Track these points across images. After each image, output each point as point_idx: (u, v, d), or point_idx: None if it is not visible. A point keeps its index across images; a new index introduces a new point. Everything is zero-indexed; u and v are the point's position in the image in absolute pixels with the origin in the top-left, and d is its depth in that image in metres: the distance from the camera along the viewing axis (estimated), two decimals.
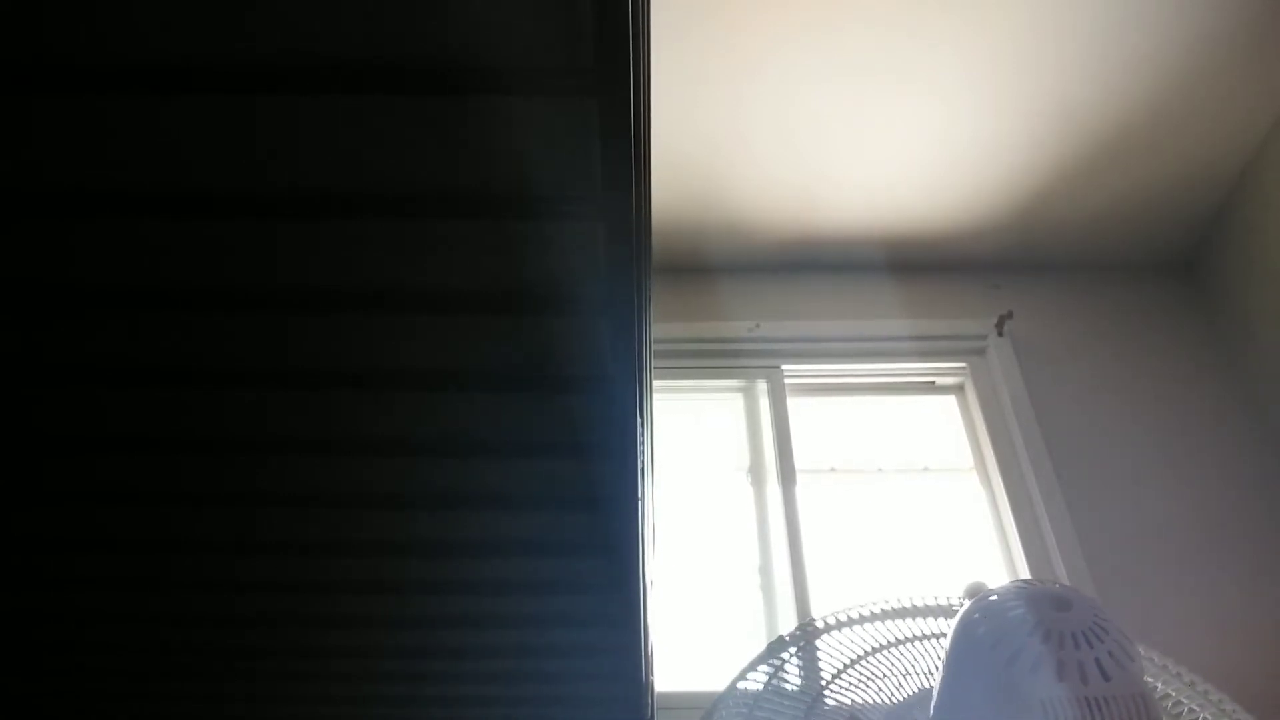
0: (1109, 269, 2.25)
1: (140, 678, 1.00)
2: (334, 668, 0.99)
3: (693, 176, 2.04)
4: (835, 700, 0.98)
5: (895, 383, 2.14)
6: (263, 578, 0.81)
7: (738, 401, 2.12)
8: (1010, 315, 2.10)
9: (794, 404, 2.07)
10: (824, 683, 0.99)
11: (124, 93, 0.41)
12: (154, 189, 0.46)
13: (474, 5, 0.38)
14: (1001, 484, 1.92)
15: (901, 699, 0.98)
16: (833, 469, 2.01)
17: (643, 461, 0.65)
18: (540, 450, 0.64)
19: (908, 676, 1.00)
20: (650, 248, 0.57)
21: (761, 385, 2.10)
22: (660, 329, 2.01)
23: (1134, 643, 0.78)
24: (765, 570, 1.84)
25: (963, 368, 2.11)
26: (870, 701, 0.97)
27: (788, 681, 1.02)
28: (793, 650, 1.04)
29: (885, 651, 1.03)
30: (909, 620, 1.05)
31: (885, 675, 1.00)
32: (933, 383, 2.15)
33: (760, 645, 1.07)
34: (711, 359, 2.10)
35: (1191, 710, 0.95)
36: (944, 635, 1.02)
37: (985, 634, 0.80)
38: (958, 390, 2.14)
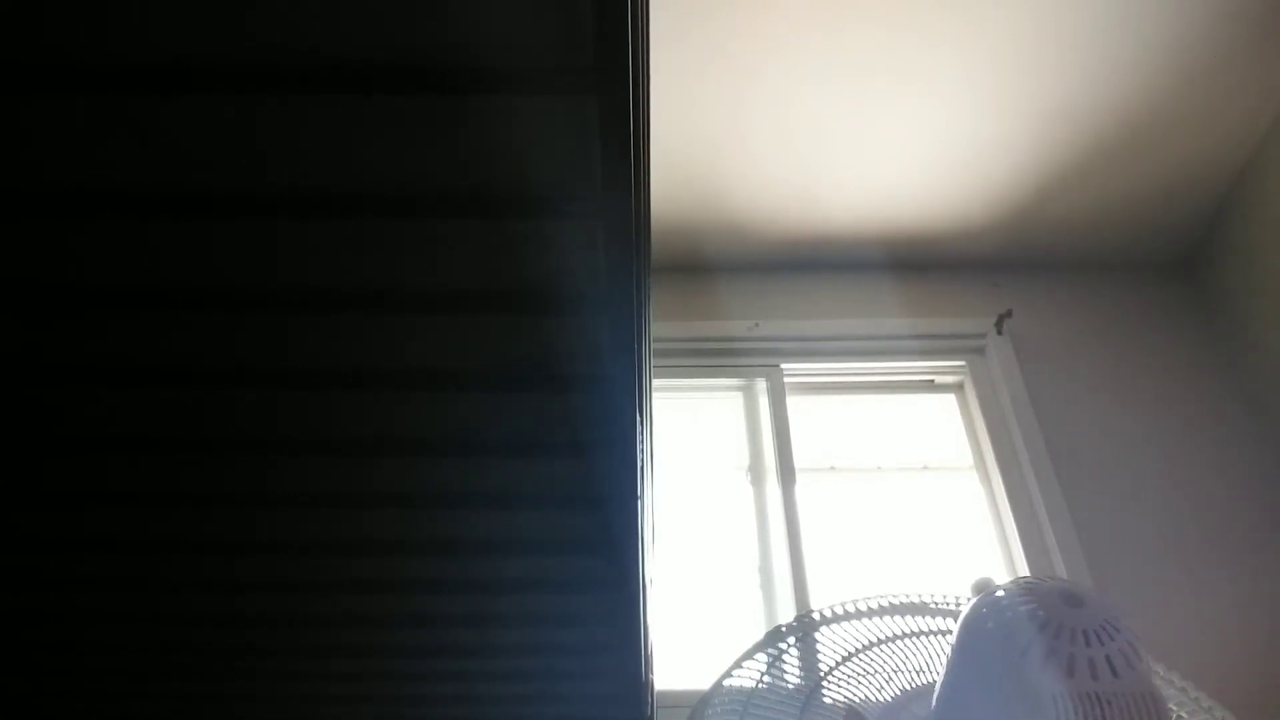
0: (1109, 268, 2.25)
1: (140, 678, 1.00)
2: (334, 667, 0.99)
3: (693, 176, 2.04)
4: (832, 694, 0.98)
5: (895, 381, 2.14)
6: (262, 577, 0.81)
7: (737, 400, 2.12)
8: (1010, 314, 2.10)
9: (793, 403, 2.07)
10: (821, 674, 0.99)
11: (124, 92, 0.41)
12: (154, 189, 0.46)
13: (474, 5, 0.38)
14: (1001, 482, 1.92)
15: (898, 694, 0.98)
16: (832, 468, 2.01)
17: (642, 460, 0.65)
18: (540, 449, 0.64)
19: (900, 673, 1.00)
20: (650, 247, 0.57)
21: (761, 384, 2.10)
22: (660, 328, 2.01)
23: (1141, 643, 0.78)
24: (765, 569, 1.84)
25: (962, 366, 2.11)
26: (867, 696, 0.97)
27: (786, 671, 1.02)
28: (791, 641, 1.05)
29: (882, 647, 1.03)
30: (906, 617, 1.05)
31: (880, 671, 1.00)
32: (932, 381, 2.15)
33: None
34: (711, 358, 2.11)
35: None
36: (940, 633, 1.03)
37: (996, 627, 0.80)
38: (957, 389, 2.14)
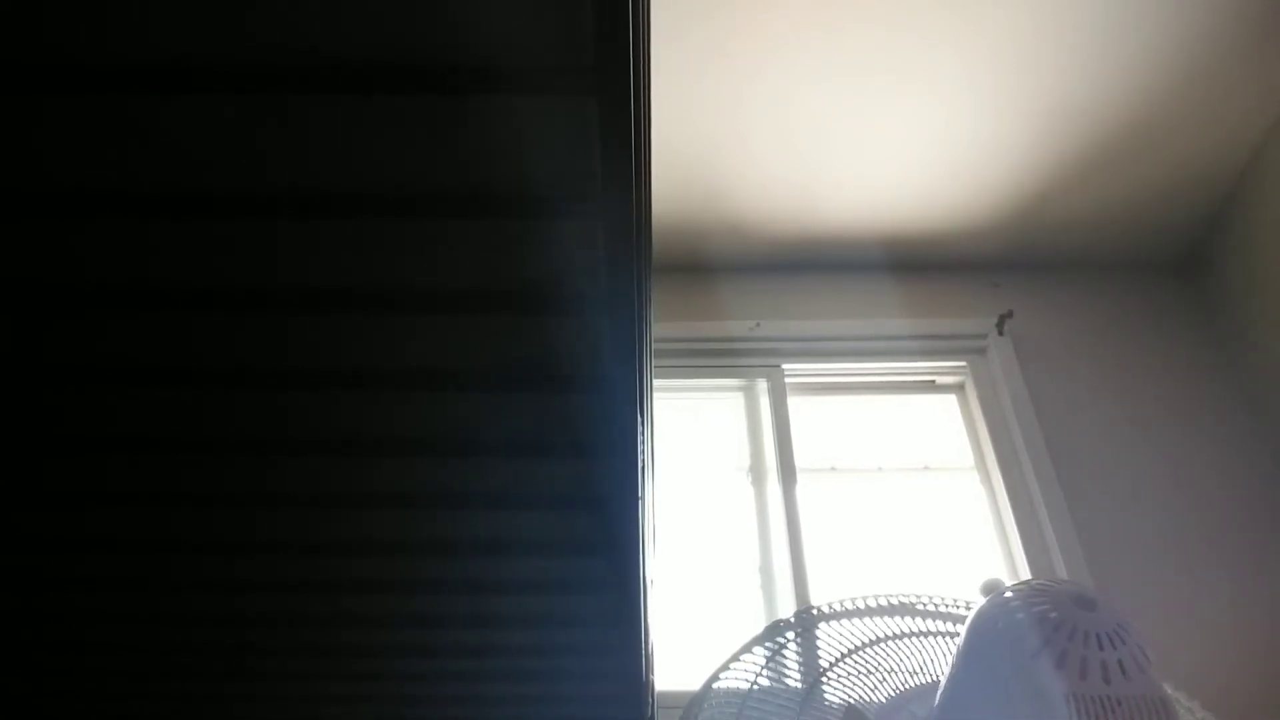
0: (1109, 268, 2.25)
1: (140, 677, 1.00)
2: (334, 667, 0.99)
3: (693, 176, 2.04)
4: (831, 690, 0.98)
5: (895, 382, 2.14)
6: (262, 577, 0.81)
7: (738, 401, 2.12)
8: (1010, 314, 2.10)
9: (794, 403, 2.07)
10: (821, 670, 0.99)
11: (124, 92, 0.41)
12: (154, 189, 0.46)
13: (474, 5, 0.38)
14: (1002, 483, 1.92)
15: (896, 693, 0.98)
16: (833, 468, 2.01)
17: (643, 461, 0.65)
18: (540, 449, 0.64)
19: (897, 673, 1.00)
20: (650, 247, 0.57)
21: (762, 384, 2.10)
22: (660, 328, 2.01)
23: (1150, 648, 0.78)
24: (765, 569, 1.84)
25: (963, 367, 2.11)
26: (866, 693, 0.97)
27: (786, 665, 1.03)
28: (790, 635, 1.05)
29: (881, 645, 1.03)
30: (906, 618, 1.05)
31: (879, 670, 1.00)
32: (933, 382, 2.15)
33: None
34: (712, 358, 2.11)
35: None
36: (939, 634, 1.03)
37: (1007, 628, 0.80)
38: (958, 389, 2.14)
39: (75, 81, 0.40)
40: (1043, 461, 1.91)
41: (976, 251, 2.22)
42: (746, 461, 2.01)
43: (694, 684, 1.03)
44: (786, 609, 1.74)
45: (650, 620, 0.90)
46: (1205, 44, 1.80)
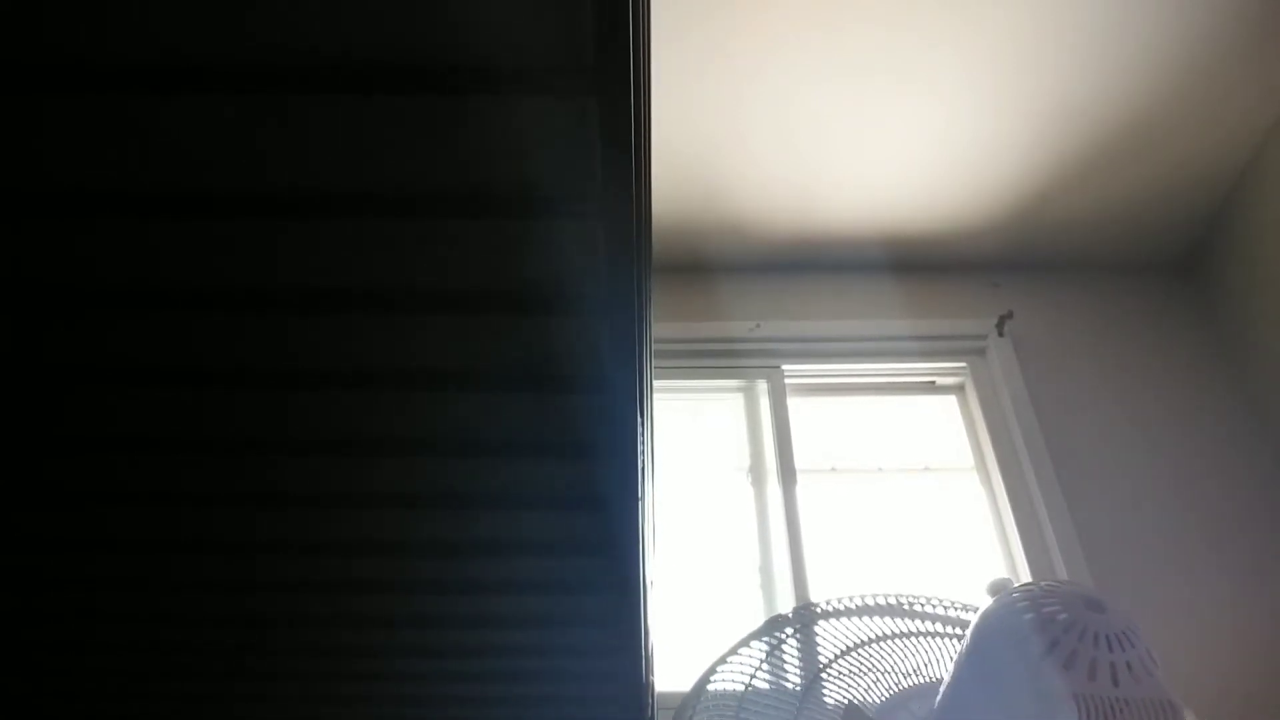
0: (1109, 269, 2.25)
1: (141, 678, 1.00)
2: (334, 667, 0.99)
3: (693, 176, 2.04)
4: (830, 686, 0.98)
5: (895, 382, 2.14)
6: (263, 578, 0.81)
7: (738, 401, 2.12)
8: (1010, 315, 2.10)
9: (794, 404, 2.07)
10: (821, 666, 1.00)
11: (124, 92, 0.41)
12: (154, 189, 0.46)
13: (474, 5, 0.38)
14: (1002, 483, 1.92)
15: (895, 692, 0.98)
16: (833, 469, 2.01)
17: (643, 461, 0.65)
18: (540, 450, 0.64)
19: (894, 673, 1.00)
20: (650, 247, 0.57)
21: (762, 385, 2.10)
22: (660, 329, 2.01)
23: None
24: (765, 570, 1.84)
25: (963, 367, 2.11)
26: (866, 690, 0.97)
27: (785, 660, 1.03)
28: (790, 630, 1.05)
29: (880, 644, 1.03)
30: (905, 619, 1.06)
31: (878, 668, 1.00)
32: (933, 382, 2.15)
33: None
34: (712, 359, 2.11)
35: None
36: (937, 635, 1.03)
37: (1016, 627, 0.80)
38: (958, 390, 2.14)
39: (76, 81, 0.40)
40: (1043, 462, 1.91)
41: (976, 252, 2.22)
42: (746, 462, 2.01)
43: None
44: (786, 609, 1.74)
45: (650, 621, 0.90)
46: (1205, 44, 1.80)
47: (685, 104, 1.90)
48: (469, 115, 0.42)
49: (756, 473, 1.99)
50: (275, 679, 1.02)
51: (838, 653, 1.02)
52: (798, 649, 1.04)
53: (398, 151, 0.44)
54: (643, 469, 0.66)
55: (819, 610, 1.07)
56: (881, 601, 1.08)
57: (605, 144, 0.42)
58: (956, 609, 1.08)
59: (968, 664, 0.86)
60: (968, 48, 1.81)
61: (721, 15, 1.75)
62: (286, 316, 0.53)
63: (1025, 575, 1.79)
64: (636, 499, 0.66)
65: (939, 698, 0.90)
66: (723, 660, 1.06)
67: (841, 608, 1.07)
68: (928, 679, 1.00)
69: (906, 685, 0.99)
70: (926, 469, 2.02)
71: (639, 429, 0.61)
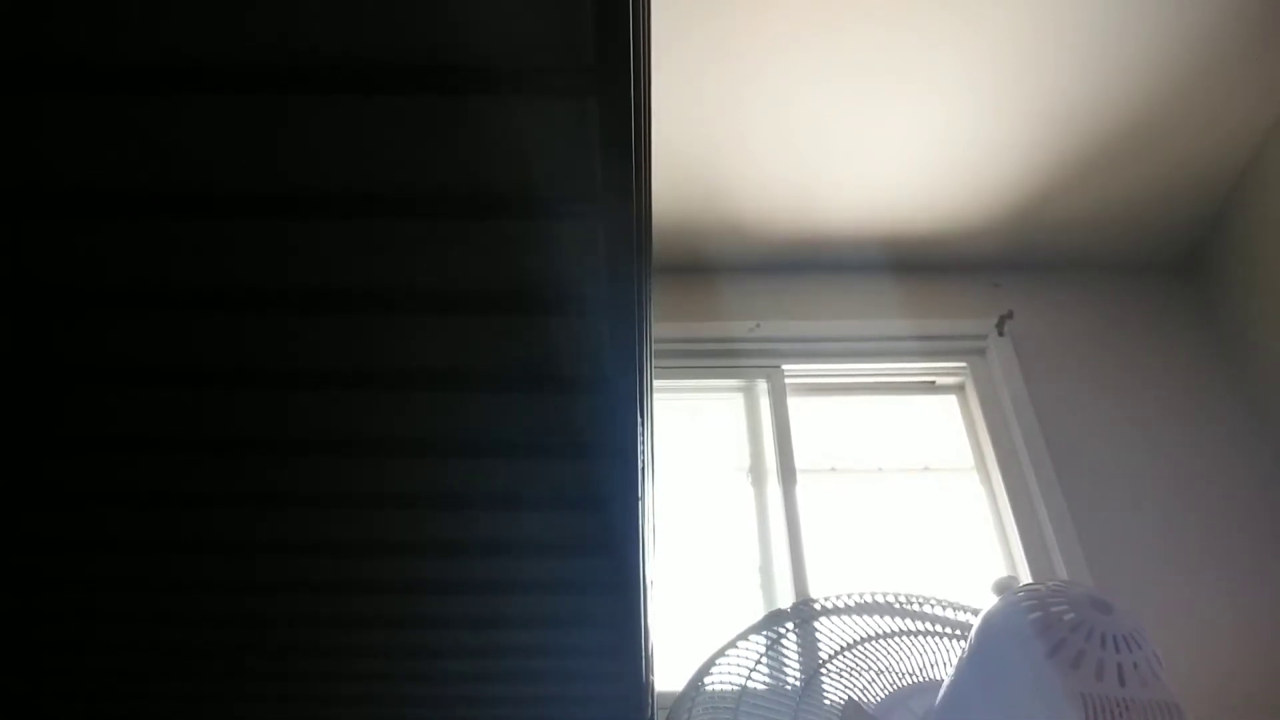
0: (1109, 269, 2.25)
1: (141, 678, 1.00)
2: (334, 667, 0.99)
3: (693, 176, 2.04)
4: (830, 683, 0.98)
5: (895, 382, 2.14)
6: (265, 578, 0.81)
7: (738, 401, 2.12)
8: (1010, 315, 2.10)
9: (794, 404, 2.07)
10: (820, 662, 1.00)
11: (125, 92, 0.41)
12: (158, 189, 0.46)
13: (474, 5, 0.38)
14: (1002, 483, 1.92)
15: (894, 690, 0.98)
16: (833, 469, 2.01)
17: (643, 461, 0.65)
18: (541, 450, 0.64)
19: (893, 670, 1.00)
20: (651, 247, 0.57)
21: (762, 385, 2.10)
22: (661, 329, 2.01)
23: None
24: (765, 570, 1.84)
25: (963, 367, 2.11)
26: (865, 687, 0.97)
27: (785, 655, 1.03)
28: (790, 625, 1.05)
29: (879, 642, 1.03)
30: (904, 619, 1.06)
31: (873, 669, 1.00)
32: (933, 382, 2.15)
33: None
34: (712, 359, 2.11)
35: None
36: (936, 634, 1.03)
37: (1022, 626, 0.80)
38: (958, 390, 2.14)
39: (77, 81, 0.40)
40: (1043, 462, 1.91)
41: (976, 252, 2.22)
42: (746, 462, 2.01)
43: None
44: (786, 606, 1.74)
45: (650, 621, 0.90)
46: (1205, 44, 1.80)
47: (686, 104, 1.90)
48: (469, 115, 0.42)
49: (756, 472, 1.99)
50: (275, 679, 1.02)
51: (837, 649, 1.02)
52: (797, 644, 1.04)
53: (398, 152, 0.44)
54: (643, 469, 0.66)
55: (818, 607, 1.07)
56: (880, 600, 1.08)
57: (605, 144, 0.42)
58: (956, 610, 1.08)
59: (970, 663, 0.86)
60: (968, 48, 1.81)
61: (722, 15, 1.75)
62: (287, 316, 0.53)
63: (1025, 575, 1.79)
64: (637, 499, 0.66)
65: (940, 696, 0.90)
66: (722, 653, 1.06)
67: (841, 605, 1.07)
68: (926, 678, 1.00)
69: (905, 684, 0.99)
70: (926, 469, 2.02)
71: (639, 429, 0.61)
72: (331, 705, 1.09)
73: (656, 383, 1.55)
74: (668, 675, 1.57)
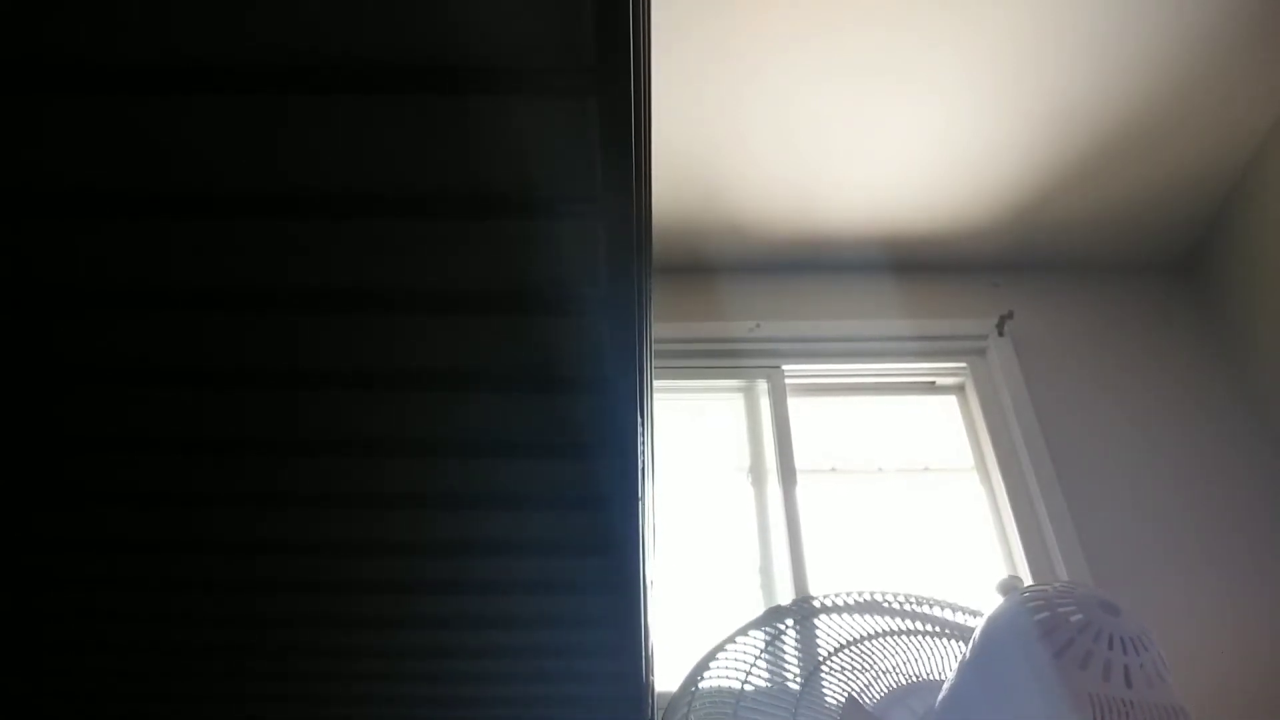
0: (1109, 269, 2.25)
1: (142, 678, 1.00)
2: (334, 668, 0.99)
3: (693, 176, 2.04)
4: (827, 680, 0.99)
5: (896, 383, 2.14)
6: (264, 578, 0.81)
7: (738, 401, 2.12)
8: (1011, 315, 2.10)
9: (794, 404, 2.07)
10: (820, 659, 1.00)
11: (125, 93, 0.41)
12: (158, 189, 0.46)
13: (474, 5, 0.38)
14: (1002, 484, 1.92)
15: (893, 688, 0.98)
16: (833, 469, 2.01)
17: (643, 461, 0.65)
18: (540, 450, 0.64)
19: (894, 669, 1.00)
20: (651, 247, 0.57)
21: (762, 385, 2.10)
22: (661, 329, 2.01)
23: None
24: (766, 570, 1.84)
25: (963, 368, 2.11)
26: (863, 688, 0.97)
27: (785, 650, 1.03)
28: (789, 622, 1.05)
29: (878, 641, 1.03)
30: (903, 619, 1.06)
31: (872, 668, 1.00)
32: (933, 383, 2.15)
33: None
34: (712, 359, 2.11)
35: None
36: (935, 634, 1.03)
37: (1029, 627, 0.80)
38: (958, 390, 2.14)
39: (81, 82, 0.40)
40: (1043, 462, 1.91)
41: (976, 252, 2.22)
42: (746, 462, 2.01)
43: None
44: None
45: (650, 621, 0.90)
46: (1205, 44, 1.80)
47: (686, 104, 1.90)
48: (469, 115, 0.42)
49: (756, 473, 1.99)
50: (276, 679, 1.02)
51: (836, 647, 1.02)
52: (796, 641, 1.04)
53: (398, 152, 0.44)
54: (643, 469, 0.66)
55: (818, 604, 1.07)
56: (880, 599, 1.08)
57: (605, 144, 0.42)
58: (955, 611, 1.08)
59: (973, 663, 0.86)
60: (968, 48, 1.81)
61: (722, 15, 1.75)
62: (287, 316, 0.53)
63: (1026, 575, 1.79)
64: (637, 499, 0.66)
65: (941, 695, 0.90)
66: (721, 648, 1.06)
67: (841, 603, 1.07)
68: (927, 678, 1.00)
69: (905, 683, 0.99)
70: (926, 469, 2.02)
71: (639, 429, 0.61)
72: (331, 705, 1.09)
73: (656, 383, 1.55)
74: (668, 675, 1.57)
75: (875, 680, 0.99)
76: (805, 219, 2.14)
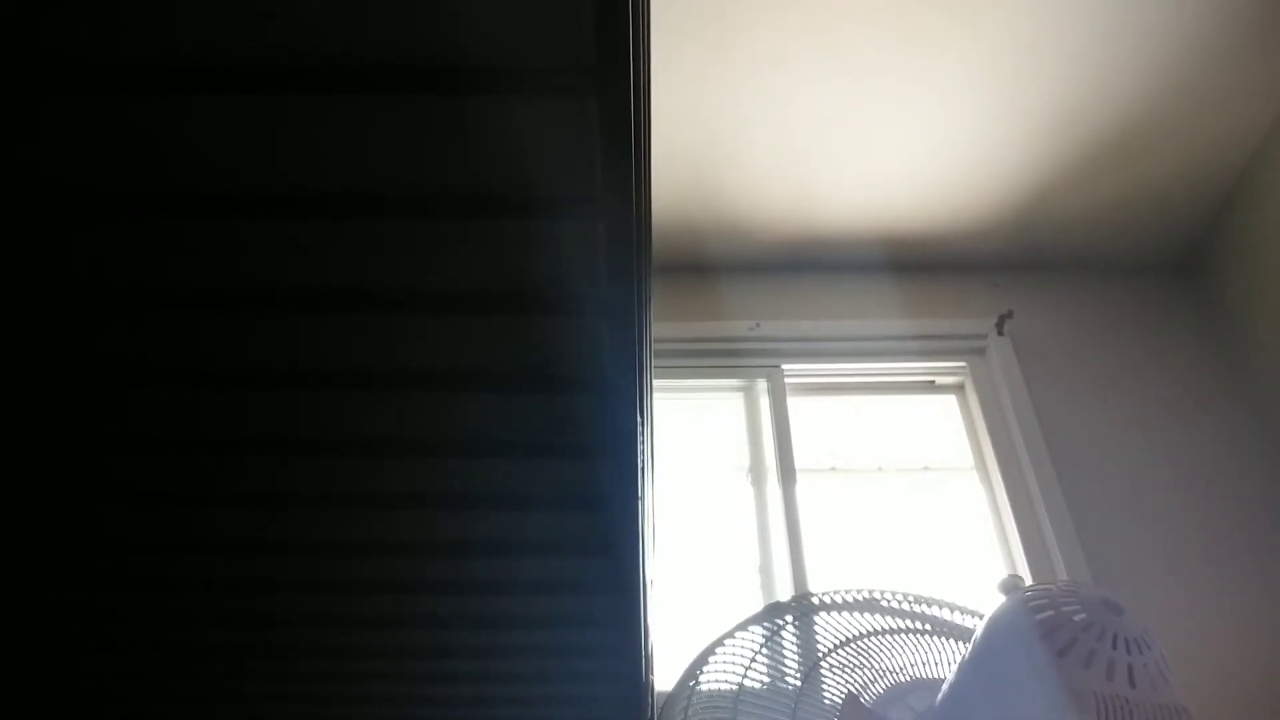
0: (1109, 268, 2.25)
1: (142, 678, 1.00)
2: (334, 668, 0.99)
3: (694, 176, 2.04)
4: (827, 679, 0.99)
5: (895, 382, 2.14)
6: (264, 578, 0.81)
7: (738, 401, 2.12)
8: (1010, 314, 2.10)
9: (794, 403, 2.07)
10: (819, 656, 1.00)
11: (129, 93, 0.41)
12: (158, 189, 0.46)
13: (474, 5, 0.38)
14: (1001, 483, 1.92)
15: (892, 685, 0.98)
16: (833, 468, 2.01)
17: (643, 461, 0.65)
18: (540, 450, 0.64)
19: (890, 671, 1.00)
20: (650, 247, 0.57)
21: (762, 384, 2.10)
22: (660, 328, 2.01)
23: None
24: (765, 569, 1.84)
25: (963, 367, 2.11)
26: (862, 686, 0.98)
27: (785, 646, 1.03)
28: (788, 618, 1.05)
29: (877, 638, 1.03)
30: (901, 618, 1.06)
31: (870, 666, 1.00)
32: (933, 382, 2.15)
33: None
34: (712, 358, 2.11)
35: None
36: (933, 633, 1.03)
37: (1031, 625, 0.80)
38: (958, 389, 2.14)
39: (81, 82, 0.40)
40: (1042, 462, 1.91)
41: (976, 251, 2.22)
42: (746, 461, 2.01)
43: None
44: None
45: (650, 620, 0.90)
46: (1205, 45, 1.80)
47: (687, 104, 1.90)
48: (469, 115, 0.42)
49: (756, 472, 1.99)
50: (276, 679, 1.02)
51: (836, 644, 1.02)
52: (796, 638, 1.04)
53: (398, 152, 0.44)
54: (642, 468, 0.66)
55: (817, 601, 1.07)
56: (879, 597, 1.08)
57: (605, 144, 0.42)
58: (954, 611, 1.08)
59: (973, 661, 0.86)
60: (967, 48, 1.81)
61: (722, 15, 1.75)
62: (287, 316, 0.53)
63: (1025, 574, 1.79)
64: (636, 498, 0.66)
65: (941, 693, 0.90)
66: (720, 642, 1.06)
67: (840, 601, 1.07)
68: (925, 676, 1.00)
69: (904, 681, 0.99)
70: (926, 468, 2.02)
71: (639, 429, 0.61)
72: (332, 705, 1.09)
73: (656, 382, 1.55)
74: (668, 675, 1.57)
75: (874, 678, 0.99)
76: (805, 218, 2.14)
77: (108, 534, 0.74)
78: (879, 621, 1.05)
